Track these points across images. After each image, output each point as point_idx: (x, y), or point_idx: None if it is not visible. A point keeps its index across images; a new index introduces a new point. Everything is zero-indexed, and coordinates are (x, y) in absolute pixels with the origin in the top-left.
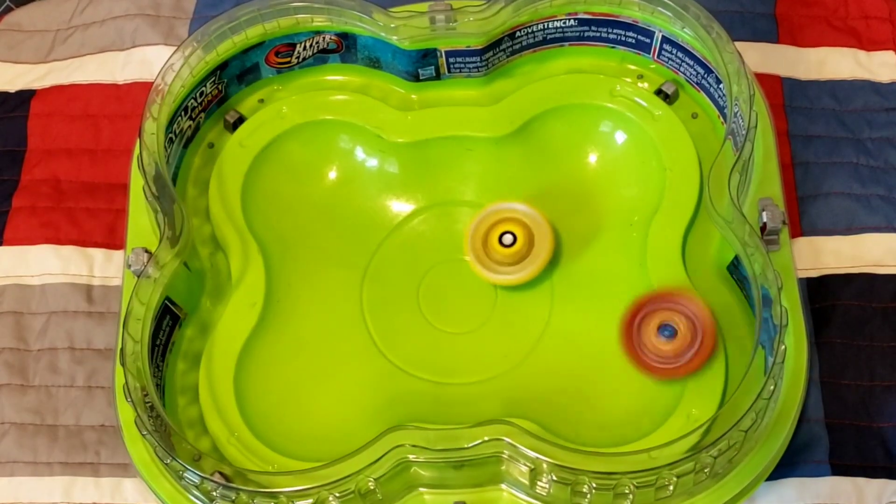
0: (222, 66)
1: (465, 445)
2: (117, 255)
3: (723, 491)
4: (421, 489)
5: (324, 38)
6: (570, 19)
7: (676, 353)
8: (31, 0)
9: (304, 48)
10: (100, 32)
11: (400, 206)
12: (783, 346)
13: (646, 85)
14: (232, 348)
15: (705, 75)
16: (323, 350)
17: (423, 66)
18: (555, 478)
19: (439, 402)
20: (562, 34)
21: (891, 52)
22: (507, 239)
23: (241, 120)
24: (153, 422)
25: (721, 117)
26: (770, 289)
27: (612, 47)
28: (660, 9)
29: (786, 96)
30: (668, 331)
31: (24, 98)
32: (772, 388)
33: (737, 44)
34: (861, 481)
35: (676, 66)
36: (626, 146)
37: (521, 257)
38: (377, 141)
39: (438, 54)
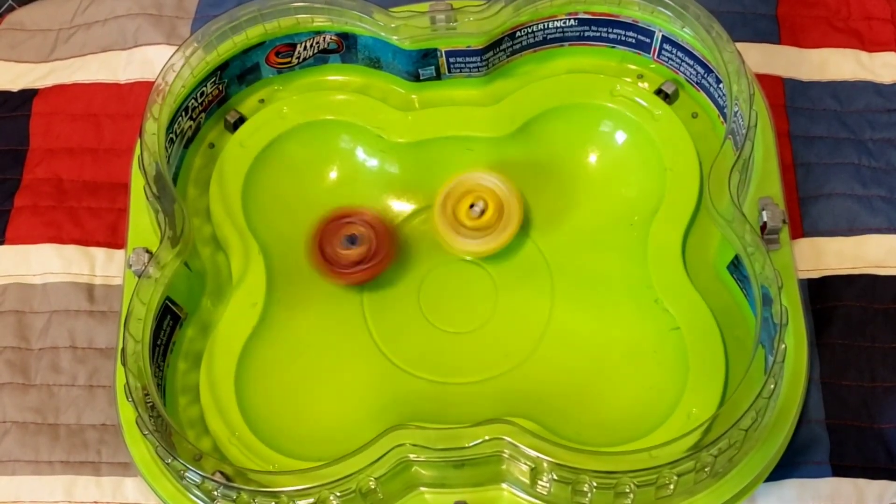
0: (223, 67)
1: (466, 445)
2: (119, 255)
3: (723, 490)
4: (422, 488)
5: (324, 38)
6: (570, 19)
7: (360, 259)
8: None
9: (305, 48)
10: (102, 32)
11: (401, 206)
12: (783, 346)
13: (646, 85)
14: (233, 348)
15: (705, 75)
16: (323, 350)
17: (423, 66)
18: (555, 477)
19: (440, 401)
20: (562, 34)
21: (893, 54)
22: (477, 209)
23: (241, 120)
24: (154, 421)
25: (721, 117)
26: (770, 288)
27: (613, 47)
28: (660, 8)
29: (787, 97)
30: (351, 240)
31: (27, 97)
32: (772, 387)
33: (738, 44)
34: (862, 482)
35: (676, 65)
36: (626, 146)
37: (490, 226)
38: (378, 141)
39: (439, 54)
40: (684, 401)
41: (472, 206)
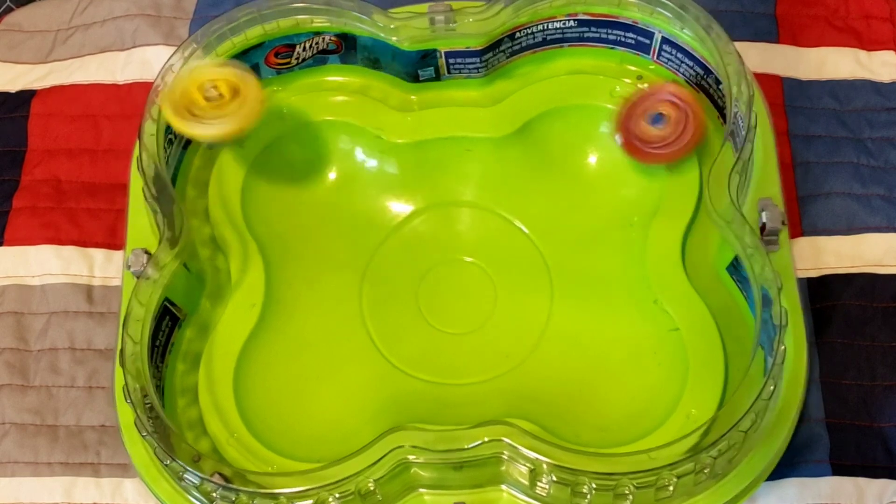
0: None
1: (465, 446)
2: (118, 256)
3: (723, 491)
4: (421, 490)
5: (323, 38)
6: (569, 20)
7: (667, 138)
8: (31, 0)
9: (304, 49)
10: (100, 32)
11: (400, 207)
12: (783, 347)
13: (646, 86)
14: (231, 349)
15: (705, 76)
16: (323, 351)
17: (422, 66)
18: (555, 478)
19: (439, 402)
20: (561, 35)
21: (891, 52)
22: (212, 93)
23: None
24: (153, 423)
25: (721, 118)
26: (770, 289)
27: (612, 48)
28: (659, 9)
29: (786, 96)
30: (658, 119)
31: (25, 98)
32: (771, 388)
33: (737, 44)
34: (862, 481)
35: (676, 66)
36: None
37: (223, 107)
38: (377, 142)
39: (438, 55)
40: (684, 402)
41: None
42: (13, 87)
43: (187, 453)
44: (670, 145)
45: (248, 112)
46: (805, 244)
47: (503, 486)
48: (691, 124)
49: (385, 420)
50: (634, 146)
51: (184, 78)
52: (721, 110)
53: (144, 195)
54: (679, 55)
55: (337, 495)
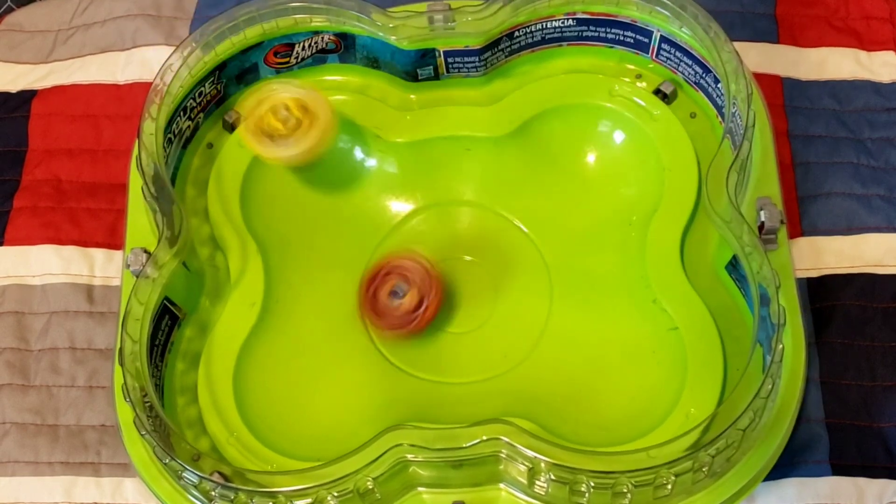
0: (221, 67)
1: (464, 445)
2: (118, 255)
3: (721, 490)
4: (420, 489)
5: (322, 38)
6: (568, 19)
7: (409, 311)
8: (32, 0)
9: (303, 48)
10: (101, 33)
11: (399, 206)
12: (781, 345)
13: (644, 84)
14: (231, 348)
15: (704, 75)
16: (322, 350)
17: (421, 65)
18: (553, 477)
19: (438, 401)
20: (560, 34)
21: (891, 53)
22: (284, 114)
23: (240, 120)
24: (152, 422)
25: (719, 117)
26: (768, 288)
27: (611, 47)
28: (658, 8)
29: (786, 96)
30: (398, 292)
31: (26, 98)
32: (770, 386)
33: (737, 44)
34: (862, 481)
35: (675, 65)
36: (624, 146)
37: (295, 129)
38: (376, 141)
39: (437, 54)
40: (682, 401)
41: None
42: (14, 87)
43: (187, 452)
44: (411, 316)
45: (321, 129)
46: (805, 244)
47: (502, 485)
48: (433, 296)
49: (384, 419)
50: (379, 322)
51: (258, 103)
52: (720, 109)
53: (144, 195)
54: (678, 54)
55: (336, 494)
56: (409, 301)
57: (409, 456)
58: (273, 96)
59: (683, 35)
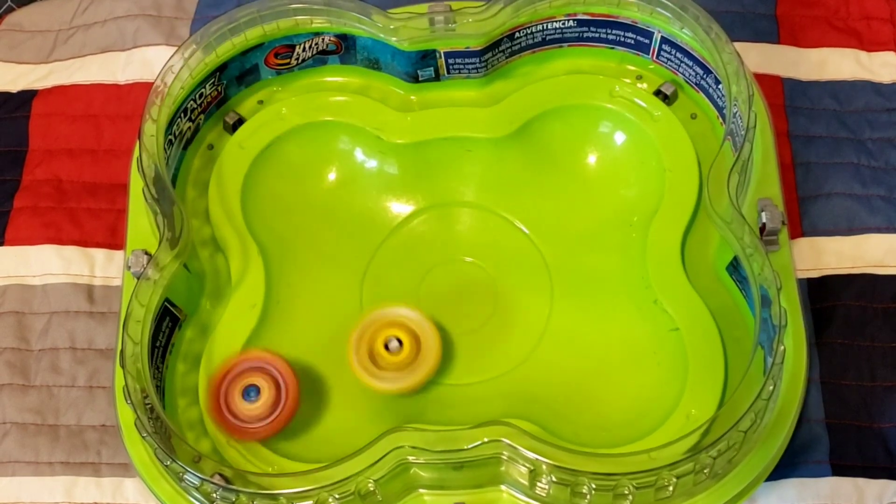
0: (222, 68)
1: (465, 447)
2: (119, 256)
3: (722, 491)
4: (421, 490)
5: (323, 39)
6: (569, 20)
7: (264, 413)
8: (32, 0)
9: (304, 49)
10: (101, 33)
11: (400, 207)
12: (782, 347)
13: (645, 85)
14: (232, 350)
15: (704, 76)
16: (322, 351)
17: (422, 67)
18: (554, 479)
19: (439, 403)
20: (561, 35)
21: (892, 53)
22: (394, 345)
23: (240, 121)
24: (153, 423)
25: (720, 118)
26: (769, 289)
27: (612, 48)
28: (659, 9)
29: (787, 97)
30: (252, 392)
31: (26, 98)
32: (771, 388)
33: (737, 44)
34: (861, 482)
35: (675, 66)
36: (625, 147)
37: (407, 363)
38: (377, 142)
39: (438, 55)
40: (683, 402)
41: (386, 345)
42: (14, 87)
43: (188, 454)
44: (267, 418)
45: (424, 370)
46: (805, 245)
47: (503, 487)
48: (288, 394)
49: (385, 420)
50: (232, 425)
51: (373, 322)
52: (721, 110)
53: (145, 196)
54: (678, 55)
55: (337, 496)
56: (265, 402)
57: (411, 458)
58: (389, 317)
59: (684, 36)
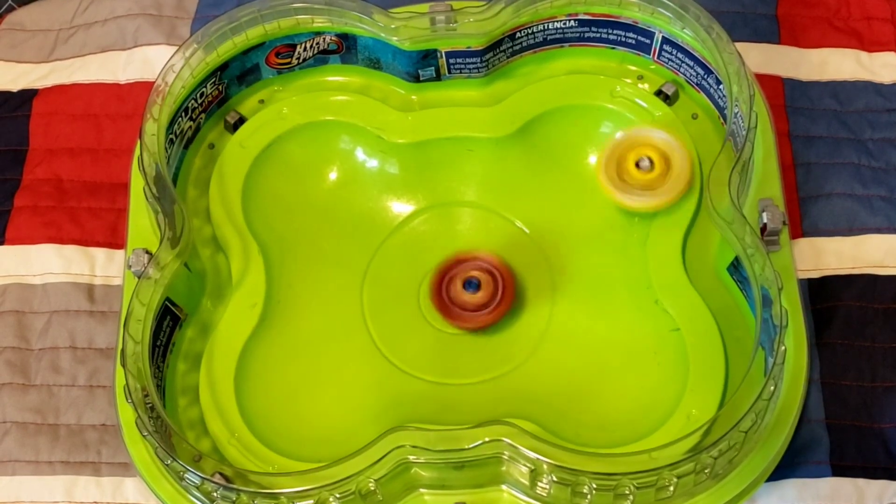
0: (223, 67)
1: (466, 446)
2: (119, 255)
3: (723, 491)
4: (421, 490)
5: (324, 38)
6: (570, 20)
7: (482, 304)
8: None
9: (305, 49)
10: (102, 32)
11: (400, 207)
12: (783, 347)
13: (646, 86)
14: (232, 349)
15: (705, 76)
16: (323, 351)
17: (423, 66)
18: (555, 478)
19: (440, 402)
20: (562, 35)
21: (892, 54)
22: (645, 164)
23: (241, 121)
24: (154, 422)
25: (721, 118)
26: (770, 289)
27: (613, 48)
28: (660, 9)
29: (787, 97)
30: (472, 285)
31: (27, 97)
32: (772, 388)
33: (738, 44)
34: (862, 482)
35: (676, 66)
36: None
37: (657, 183)
38: (378, 142)
39: (439, 55)
40: (684, 402)
41: (637, 163)
42: (15, 87)
43: (188, 453)
44: (486, 307)
45: (674, 188)
46: (806, 245)
47: (504, 486)
48: (506, 291)
49: (386, 420)
50: (453, 311)
51: (621, 143)
52: (721, 110)
53: (146, 195)
54: (679, 55)
55: (338, 495)
56: (483, 294)
57: (411, 457)
58: (639, 138)
59: (685, 36)
